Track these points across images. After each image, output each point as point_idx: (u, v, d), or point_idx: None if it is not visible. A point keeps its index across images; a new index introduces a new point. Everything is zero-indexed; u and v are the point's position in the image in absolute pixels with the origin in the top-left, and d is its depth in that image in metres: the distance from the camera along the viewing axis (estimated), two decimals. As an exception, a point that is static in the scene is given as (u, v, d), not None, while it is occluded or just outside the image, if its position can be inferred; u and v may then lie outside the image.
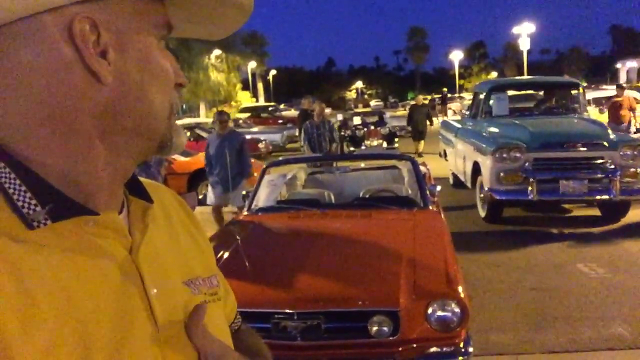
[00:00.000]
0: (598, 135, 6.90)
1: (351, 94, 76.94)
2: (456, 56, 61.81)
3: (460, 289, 2.88)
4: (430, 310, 2.76)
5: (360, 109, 28.27)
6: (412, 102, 18.37)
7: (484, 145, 7.26)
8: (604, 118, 11.39)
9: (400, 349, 2.73)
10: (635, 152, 6.58)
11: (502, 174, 6.73)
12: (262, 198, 4.64)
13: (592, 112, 10.40)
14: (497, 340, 3.80)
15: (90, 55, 0.55)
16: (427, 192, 4.33)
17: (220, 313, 0.74)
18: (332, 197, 4.76)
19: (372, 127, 15.53)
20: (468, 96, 40.89)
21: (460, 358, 2.78)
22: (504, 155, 6.72)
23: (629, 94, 12.28)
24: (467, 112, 9.98)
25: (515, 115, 8.49)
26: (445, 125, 10.97)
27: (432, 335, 2.77)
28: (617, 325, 3.98)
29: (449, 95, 42.14)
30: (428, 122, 15.44)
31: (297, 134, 16.34)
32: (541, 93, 9.50)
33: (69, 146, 0.57)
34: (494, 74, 74.55)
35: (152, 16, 0.62)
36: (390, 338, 2.74)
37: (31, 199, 0.55)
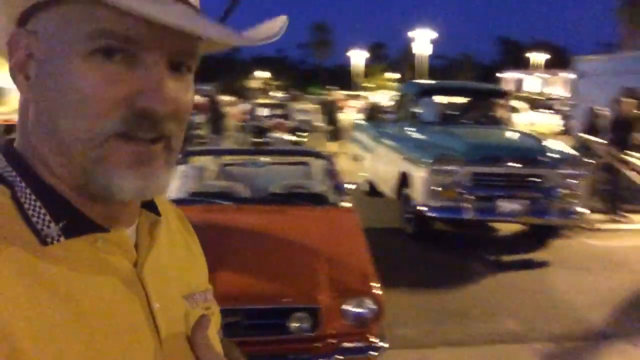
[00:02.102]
0: (538, 151, 6.30)
1: (256, 84, 76.35)
2: (359, 55, 63.37)
3: (375, 285, 2.97)
4: (347, 307, 2.83)
5: (263, 100, 28.08)
6: (328, 98, 17.69)
7: (417, 155, 6.44)
8: None
9: (317, 344, 2.78)
10: (576, 172, 6.05)
11: (437, 189, 5.97)
12: (174, 189, 4.49)
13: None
14: (401, 334, 3.99)
15: (11, 67, 0.57)
16: (340, 189, 4.42)
17: (213, 328, 0.73)
18: (247, 191, 4.71)
19: (280, 120, 15.52)
20: (371, 95, 42.32)
21: (375, 352, 2.89)
22: (442, 168, 5.95)
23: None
24: (387, 115, 9.00)
25: (446, 122, 7.62)
26: (361, 127, 9.85)
27: (348, 331, 2.85)
28: (508, 320, 4.34)
29: (349, 93, 43.13)
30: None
31: (198, 120, 15.82)
32: (465, 100, 8.74)
33: (63, 164, 0.58)
34: (392, 75, 77.40)
35: (80, 24, 0.53)
36: (308, 334, 2.78)
37: (45, 215, 0.55)
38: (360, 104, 35.17)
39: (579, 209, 6.17)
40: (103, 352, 0.54)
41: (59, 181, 0.57)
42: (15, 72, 0.58)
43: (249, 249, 3.36)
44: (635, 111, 9.53)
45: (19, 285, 0.51)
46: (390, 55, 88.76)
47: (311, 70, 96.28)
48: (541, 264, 5.90)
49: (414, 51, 44.81)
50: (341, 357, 2.79)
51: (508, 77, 46.88)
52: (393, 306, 4.41)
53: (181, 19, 0.52)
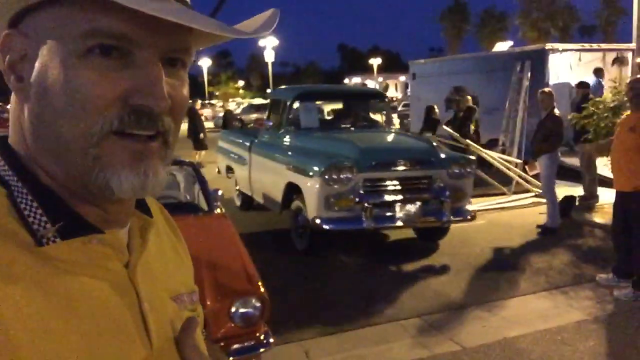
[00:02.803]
0: (428, 153, 6.11)
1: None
2: (205, 63, 62.49)
3: (259, 284, 3.01)
4: (234, 309, 2.84)
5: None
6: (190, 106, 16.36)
7: (305, 165, 5.89)
8: None
9: None
10: (463, 171, 5.97)
11: (332, 199, 5.53)
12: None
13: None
14: (283, 330, 4.07)
15: (4, 69, 0.57)
16: (210, 197, 4.38)
17: (199, 329, 0.72)
18: None
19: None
20: (219, 103, 41.90)
21: (262, 349, 2.94)
22: (335, 176, 5.50)
23: None
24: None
25: (327, 128, 7.24)
26: (229, 137, 9.15)
27: (236, 332, 2.85)
28: (381, 304, 4.65)
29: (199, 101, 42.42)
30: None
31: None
32: (344, 104, 8.22)
33: (59, 164, 0.59)
34: (241, 82, 77.51)
35: (75, 24, 0.53)
36: None
37: (42, 216, 0.55)
38: (209, 112, 34.66)
39: (469, 207, 6.21)
40: (96, 352, 0.53)
41: (55, 182, 0.57)
42: (9, 74, 0.58)
43: None
44: (471, 105, 11.14)
45: (15, 285, 0.50)
46: (236, 63, 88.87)
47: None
48: (411, 252, 6.25)
49: (265, 59, 45.37)
50: (231, 359, 2.79)
51: (352, 82, 49.67)
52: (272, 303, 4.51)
53: (181, 15, 0.53)
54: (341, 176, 5.53)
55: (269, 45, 43.54)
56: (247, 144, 7.83)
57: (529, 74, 10.97)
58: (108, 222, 0.60)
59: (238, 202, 8.66)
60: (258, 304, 2.88)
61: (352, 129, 7.28)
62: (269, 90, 8.93)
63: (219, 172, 9.45)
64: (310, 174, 5.71)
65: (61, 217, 0.56)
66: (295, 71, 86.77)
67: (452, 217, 5.91)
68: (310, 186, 5.69)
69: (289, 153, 6.52)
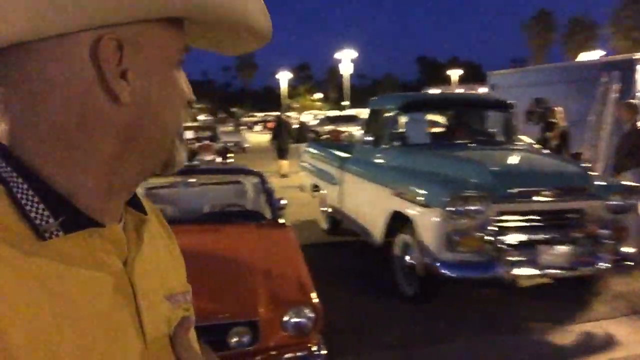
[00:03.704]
0: (580, 178, 4.73)
1: (178, 108, 75.21)
2: (284, 76, 63.89)
3: (313, 295, 3.00)
4: (286, 318, 2.84)
5: (190, 123, 27.71)
6: (277, 116, 16.56)
7: (421, 192, 4.62)
8: None
9: (258, 357, 2.77)
10: (626, 202, 4.54)
11: (456, 238, 4.24)
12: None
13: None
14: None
15: (111, 75, 0.56)
16: (274, 206, 4.46)
17: (192, 329, 0.73)
18: (176, 212, 4.65)
19: (206, 142, 15.31)
20: (295, 115, 42.77)
21: None
22: (461, 207, 4.23)
23: None
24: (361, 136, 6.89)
25: (444, 145, 5.82)
26: (317, 150, 8.05)
27: (288, 342, 2.84)
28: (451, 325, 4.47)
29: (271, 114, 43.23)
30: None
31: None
32: (463, 116, 6.71)
33: (79, 163, 0.57)
34: (318, 95, 78.55)
35: (175, 40, 0.62)
36: (249, 348, 2.77)
37: (44, 210, 0.55)
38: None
39: (633, 250, 4.59)
40: (92, 350, 0.54)
41: (55, 183, 0.57)
42: (126, 84, 0.58)
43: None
44: (565, 128, 9.19)
45: (13, 281, 0.50)
46: (315, 76, 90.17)
47: (237, 92, 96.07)
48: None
49: (341, 72, 45.76)
50: None
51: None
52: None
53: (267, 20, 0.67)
54: (469, 208, 4.25)
55: (346, 58, 43.87)
56: (339, 160, 6.77)
57: (617, 85, 10.36)
58: (104, 214, 0.60)
59: (325, 225, 7.62)
60: (311, 314, 2.87)
61: (473, 145, 5.79)
62: (373, 98, 7.12)
63: (302, 189, 8.56)
64: (428, 203, 4.45)
65: (63, 211, 0.56)
66: (373, 83, 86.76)
67: (612, 264, 4.40)
68: (427, 219, 4.44)
69: (396, 175, 5.27)
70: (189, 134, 16.31)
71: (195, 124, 26.60)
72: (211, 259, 3.44)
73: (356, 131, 20.93)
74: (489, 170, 4.65)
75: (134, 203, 0.68)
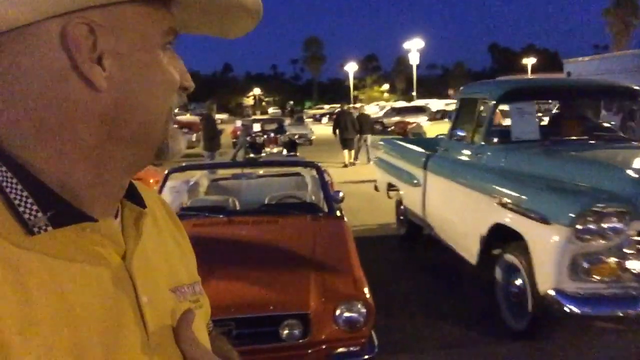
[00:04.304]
0: None
1: (249, 101, 76.74)
2: (351, 67, 63.66)
3: (365, 290, 2.95)
4: (338, 312, 2.81)
5: (258, 116, 28.27)
6: (338, 108, 17.29)
7: (537, 202, 3.64)
8: None
9: (309, 351, 2.77)
10: None
11: (585, 264, 3.26)
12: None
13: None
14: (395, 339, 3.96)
15: (83, 61, 0.54)
16: (331, 199, 4.46)
17: (202, 320, 0.73)
18: (237, 204, 4.74)
19: (272, 135, 15.55)
20: (360, 106, 42.11)
21: (366, 356, 2.91)
22: (593, 226, 3.24)
23: None
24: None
25: (553, 141, 4.61)
26: (395, 146, 7.15)
27: (340, 336, 2.82)
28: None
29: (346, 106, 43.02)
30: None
31: (193, 139, 15.98)
32: (582, 108, 5.43)
33: (65, 154, 0.56)
34: (386, 86, 77.76)
35: (157, 22, 0.59)
36: (300, 341, 2.78)
37: (33, 205, 0.54)
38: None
39: None
40: (89, 345, 0.52)
41: (44, 176, 0.56)
42: (97, 68, 0.57)
43: (239, 259, 3.38)
44: None
45: (4, 276, 0.49)
46: (383, 67, 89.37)
47: (306, 85, 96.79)
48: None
49: (410, 62, 45.12)
50: None
51: (501, 83, 47.19)
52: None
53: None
54: (605, 225, 3.25)
55: (414, 48, 43.15)
56: (422, 158, 5.70)
57: None
58: (98, 209, 0.59)
59: (401, 230, 6.68)
60: (363, 310, 2.85)
61: (597, 142, 4.67)
62: (462, 88, 5.95)
63: (376, 189, 7.69)
64: (547, 218, 3.42)
65: (52, 205, 0.54)
66: (443, 73, 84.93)
67: None
68: (546, 238, 3.42)
69: (500, 179, 4.22)
70: (256, 127, 16.66)
71: (262, 117, 27.19)
72: (266, 250, 3.48)
73: (425, 122, 20.59)
74: (628, 177, 3.56)
75: (133, 196, 0.67)
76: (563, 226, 3.33)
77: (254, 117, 27.27)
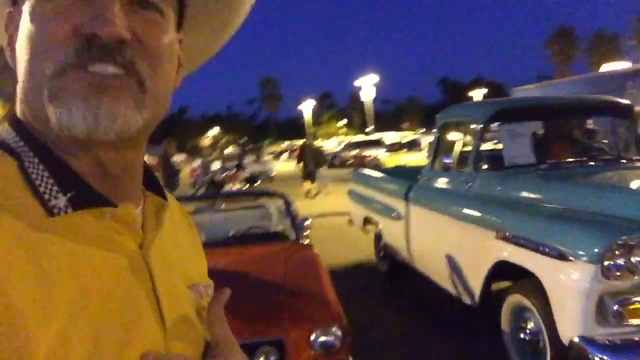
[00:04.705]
0: None
1: (206, 141, 76.57)
2: (307, 105, 64.51)
3: (340, 312, 2.96)
4: (313, 336, 2.79)
5: (215, 155, 28.39)
6: (302, 142, 18.17)
7: (555, 235, 3.08)
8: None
9: None
10: None
11: (615, 306, 2.78)
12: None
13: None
14: None
15: (6, 47, 0.58)
16: (298, 226, 4.45)
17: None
18: (203, 237, 4.67)
19: (232, 172, 15.56)
20: (319, 143, 42.89)
21: None
22: (622, 261, 2.78)
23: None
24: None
25: (550, 165, 4.16)
26: (370, 177, 6.64)
27: None
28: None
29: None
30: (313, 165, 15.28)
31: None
32: (575, 127, 5.06)
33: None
34: (342, 122, 78.91)
35: None
36: None
37: (53, 186, 0.53)
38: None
39: None
40: (104, 330, 0.51)
41: (63, 153, 0.55)
42: (7, 49, 0.59)
43: None
44: None
45: (24, 258, 0.48)
46: (338, 103, 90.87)
47: (263, 123, 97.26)
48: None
49: (362, 98, 46.02)
50: None
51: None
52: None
53: None
54: (635, 259, 2.79)
55: (368, 84, 44.07)
56: (402, 189, 5.22)
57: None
58: (119, 197, 0.58)
59: (382, 267, 6.19)
60: (339, 332, 2.82)
61: (596, 164, 4.26)
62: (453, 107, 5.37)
63: (350, 223, 7.19)
64: (566, 253, 2.91)
65: (73, 187, 0.54)
66: (396, 108, 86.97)
67: None
68: (566, 276, 2.91)
69: (498, 209, 3.74)
70: (216, 165, 16.61)
71: (221, 155, 27.18)
72: (236, 280, 3.42)
73: (383, 153, 20.97)
74: None
75: (155, 188, 0.66)
76: (587, 263, 2.81)
77: (212, 156, 27.21)
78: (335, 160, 30.19)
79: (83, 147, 0.55)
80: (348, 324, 2.89)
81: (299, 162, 15.87)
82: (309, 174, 15.45)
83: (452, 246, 4.22)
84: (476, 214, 3.92)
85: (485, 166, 4.32)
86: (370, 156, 22.62)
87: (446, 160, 4.60)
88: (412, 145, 23.02)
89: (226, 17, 0.70)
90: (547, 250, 3.07)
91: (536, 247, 3.16)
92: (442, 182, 4.74)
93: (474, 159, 4.33)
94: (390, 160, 18.79)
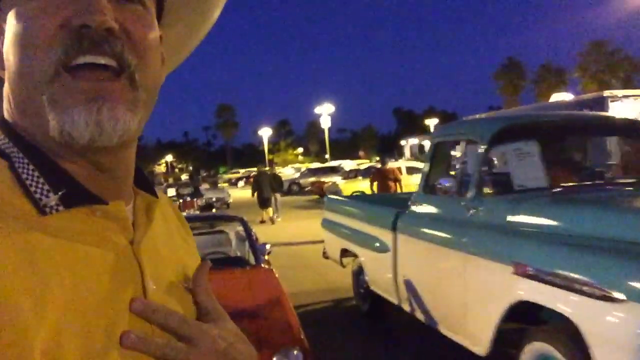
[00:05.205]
0: None
1: (161, 168, 75.42)
2: (265, 132, 64.77)
3: (301, 335, 2.95)
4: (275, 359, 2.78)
5: (169, 182, 28.12)
6: (255, 169, 18.11)
7: (596, 270, 2.52)
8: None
9: None
10: None
11: None
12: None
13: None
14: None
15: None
16: (258, 251, 4.42)
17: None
18: None
19: (189, 199, 15.33)
20: (278, 170, 42.94)
21: None
22: None
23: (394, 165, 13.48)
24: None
25: (564, 188, 3.65)
26: (347, 204, 6.11)
27: None
28: None
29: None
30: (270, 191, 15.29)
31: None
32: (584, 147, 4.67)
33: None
34: (300, 149, 79.34)
35: None
36: None
37: (44, 185, 0.54)
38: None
39: None
40: (95, 325, 0.51)
41: (54, 154, 0.55)
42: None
43: None
44: None
45: (18, 256, 0.48)
46: (295, 131, 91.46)
47: (219, 150, 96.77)
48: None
49: (321, 126, 46.58)
50: None
51: (409, 143, 50.00)
52: None
53: None
54: None
55: (325, 112, 44.70)
56: (389, 217, 4.63)
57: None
58: (111, 195, 0.58)
59: (363, 306, 5.51)
60: (300, 355, 2.81)
61: (620, 186, 3.84)
62: (451, 124, 5.04)
63: (325, 255, 6.51)
64: (615, 293, 2.36)
65: (63, 185, 0.54)
66: (353, 136, 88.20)
67: None
68: (615, 321, 2.38)
69: (515, 240, 3.17)
70: (171, 192, 16.36)
71: (175, 181, 26.84)
72: None
73: (340, 180, 21.15)
74: None
75: (145, 186, 0.67)
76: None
77: (166, 183, 26.78)
78: (293, 187, 30.25)
79: (81, 151, 0.55)
80: (309, 347, 2.87)
81: (253, 193, 15.74)
82: (264, 201, 15.38)
83: (454, 283, 3.59)
84: (486, 245, 3.33)
85: (490, 190, 3.74)
86: (328, 182, 22.74)
87: (445, 184, 3.97)
88: (368, 173, 23.36)
89: (204, 11, 0.71)
90: (585, 289, 2.51)
91: (569, 286, 2.61)
92: (437, 209, 4.17)
93: (477, 182, 3.73)
94: (347, 187, 18.89)
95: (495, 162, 3.96)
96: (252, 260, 4.31)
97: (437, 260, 3.88)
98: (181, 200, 14.84)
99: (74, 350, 0.49)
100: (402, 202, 4.96)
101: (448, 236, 3.76)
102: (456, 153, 4.21)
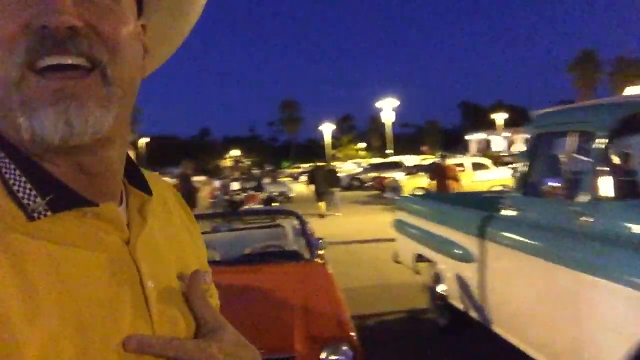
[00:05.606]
0: None
1: (227, 163, 77.37)
2: (327, 128, 64.90)
3: (351, 331, 2.95)
4: (324, 354, 2.79)
5: (235, 176, 28.83)
6: (316, 164, 18.21)
7: None
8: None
9: None
10: None
11: None
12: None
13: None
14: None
15: None
16: (313, 246, 4.47)
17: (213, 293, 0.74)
18: (218, 256, 4.70)
19: (251, 192, 15.69)
20: (338, 164, 42.74)
21: None
22: None
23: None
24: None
25: None
26: (422, 205, 5.59)
27: None
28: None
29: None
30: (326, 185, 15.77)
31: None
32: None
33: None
34: (362, 144, 79.12)
35: None
36: None
37: (31, 190, 0.53)
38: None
39: None
40: (91, 328, 0.51)
41: (38, 157, 0.55)
42: None
43: (224, 307, 3.32)
44: None
45: (6, 263, 0.48)
46: (357, 126, 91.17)
47: (283, 146, 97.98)
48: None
49: (382, 120, 46.19)
50: None
51: (475, 139, 48.53)
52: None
53: None
54: None
55: (387, 107, 44.23)
56: (476, 221, 4.04)
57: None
58: (100, 196, 0.57)
59: (442, 320, 4.96)
60: (350, 351, 2.81)
61: None
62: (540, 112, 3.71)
63: (397, 260, 5.95)
64: None
65: (50, 190, 0.53)
66: (416, 131, 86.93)
67: None
68: None
69: None
70: (235, 186, 16.75)
71: (240, 175, 27.47)
72: (249, 297, 3.44)
73: (402, 176, 20.90)
74: None
75: (139, 183, 0.65)
76: None
77: (232, 176, 27.44)
78: (354, 182, 30.22)
79: (59, 152, 0.54)
80: (360, 344, 2.87)
81: (309, 184, 16.68)
82: (320, 195, 15.91)
83: (562, 307, 2.99)
84: (610, 264, 2.66)
85: (610, 194, 2.93)
86: (389, 177, 22.53)
87: (553, 184, 3.30)
88: (431, 169, 22.88)
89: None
90: None
91: None
92: (539, 214, 3.49)
93: (592, 183, 3.00)
94: (409, 182, 18.69)
95: (617, 158, 3.09)
96: (306, 254, 4.35)
97: (539, 277, 3.23)
98: (245, 194, 15.17)
99: (69, 354, 0.48)
100: (482, 202, 4.46)
101: (554, 248, 3.12)
102: (565, 146, 3.44)
